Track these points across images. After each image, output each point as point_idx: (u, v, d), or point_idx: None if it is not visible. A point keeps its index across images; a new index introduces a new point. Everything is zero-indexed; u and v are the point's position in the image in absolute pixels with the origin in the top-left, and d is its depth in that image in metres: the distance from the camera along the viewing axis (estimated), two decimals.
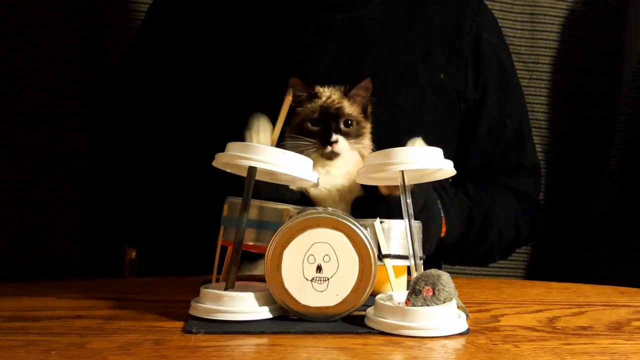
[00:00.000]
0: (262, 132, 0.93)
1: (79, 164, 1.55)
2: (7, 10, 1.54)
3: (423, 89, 1.23)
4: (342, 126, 1.00)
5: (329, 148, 0.98)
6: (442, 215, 1.09)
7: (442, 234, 1.10)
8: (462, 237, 1.19)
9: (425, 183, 0.97)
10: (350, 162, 1.00)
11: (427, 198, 1.01)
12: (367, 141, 1.03)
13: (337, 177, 0.99)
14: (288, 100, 0.91)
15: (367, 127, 1.04)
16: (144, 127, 1.26)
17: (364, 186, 0.98)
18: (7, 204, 1.55)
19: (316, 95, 1.02)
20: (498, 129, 1.30)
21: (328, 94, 1.02)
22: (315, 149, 0.97)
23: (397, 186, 0.86)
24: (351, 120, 1.01)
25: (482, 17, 1.32)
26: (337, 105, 1.01)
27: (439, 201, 1.09)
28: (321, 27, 1.23)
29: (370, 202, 0.96)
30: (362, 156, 0.98)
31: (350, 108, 1.02)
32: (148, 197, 1.23)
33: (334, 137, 0.98)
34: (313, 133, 0.99)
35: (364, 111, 1.04)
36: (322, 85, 1.03)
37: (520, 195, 1.31)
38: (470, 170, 1.29)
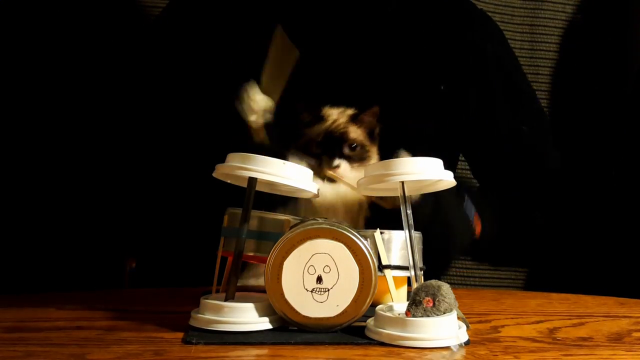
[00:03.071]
0: (252, 92, 0.94)
1: (80, 171, 1.55)
2: None
3: (426, 99, 1.24)
4: (346, 150, 1.01)
5: (330, 172, 0.99)
6: (471, 216, 1.09)
7: (477, 233, 1.09)
8: (501, 234, 1.18)
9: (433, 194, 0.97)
10: (353, 182, 1.01)
11: (435, 206, 1.01)
12: (374, 161, 1.04)
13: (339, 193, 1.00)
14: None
15: (373, 149, 1.05)
16: (155, 131, 1.27)
17: (370, 206, 0.98)
18: (6, 214, 1.55)
19: (322, 117, 1.03)
20: (514, 138, 1.30)
21: (335, 116, 1.03)
22: (318, 171, 0.98)
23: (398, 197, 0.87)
24: (356, 145, 1.02)
25: (485, 28, 1.33)
26: (342, 130, 1.02)
27: (466, 202, 1.08)
28: (323, 42, 1.24)
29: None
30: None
31: (355, 132, 1.03)
32: (150, 207, 1.24)
33: (336, 162, 1.00)
34: (317, 155, 1.00)
35: (370, 134, 1.05)
36: (332, 104, 1.05)
37: (539, 202, 1.32)
38: (489, 180, 1.29)
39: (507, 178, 1.31)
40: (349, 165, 1.01)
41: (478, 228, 1.09)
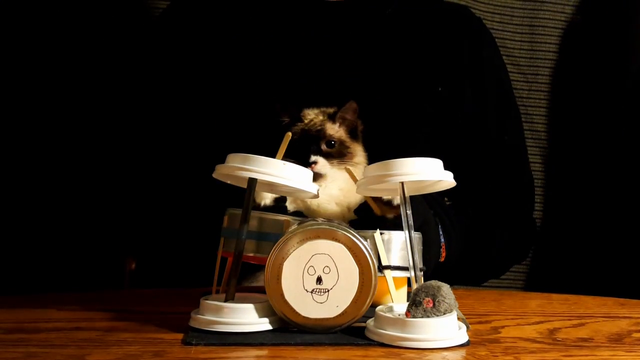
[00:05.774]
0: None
1: (80, 171, 1.55)
2: None
3: (421, 101, 1.24)
4: (323, 147, 1.01)
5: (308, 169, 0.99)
6: (443, 240, 1.10)
7: (442, 259, 1.10)
8: (461, 260, 1.19)
9: (422, 206, 0.97)
10: (339, 180, 1.01)
11: (424, 220, 1.01)
12: (359, 158, 1.04)
13: (326, 198, 1.00)
14: (287, 137, 0.91)
15: (355, 147, 1.05)
16: (153, 132, 1.27)
17: (357, 211, 0.98)
18: (6, 214, 1.55)
19: (300, 119, 1.03)
20: (496, 146, 1.30)
21: (312, 116, 1.03)
22: None
23: (389, 208, 0.87)
24: (334, 141, 1.02)
25: (482, 35, 1.33)
26: (319, 127, 1.02)
27: (439, 226, 1.09)
28: (321, 45, 1.24)
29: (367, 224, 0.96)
30: (353, 176, 0.96)
31: (333, 129, 1.03)
32: (150, 207, 1.24)
33: (313, 158, 1.00)
34: (295, 155, 1.00)
35: (352, 132, 1.05)
36: (314, 106, 1.05)
37: (516, 216, 1.32)
38: (467, 188, 1.29)
39: (484, 185, 1.30)
40: (327, 162, 1.01)
41: (443, 255, 1.10)
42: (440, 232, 1.10)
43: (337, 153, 1.02)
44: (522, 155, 1.36)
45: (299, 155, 1.00)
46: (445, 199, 1.27)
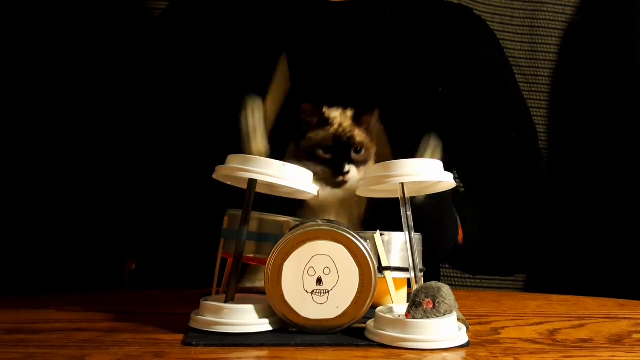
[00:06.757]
0: (257, 111, 0.94)
1: (80, 171, 1.55)
2: None
3: (423, 102, 1.24)
4: (353, 154, 1.01)
5: (340, 178, 0.99)
6: (458, 221, 1.09)
7: (460, 239, 1.09)
8: (479, 242, 1.17)
9: (440, 195, 0.96)
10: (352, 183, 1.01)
11: (442, 209, 1.00)
12: (372, 163, 1.04)
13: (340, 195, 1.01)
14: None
15: (373, 150, 1.05)
16: (154, 133, 1.27)
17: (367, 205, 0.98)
18: (6, 215, 1.55)
19: (327, 122, 1.02)
20: (503, 144, 1.30)
21: (339, 120, 1.03)
22: (326, 177, 0.98)
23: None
24: (361, 147, 1.02)
25: (483, 33, 1.33)
26: (349, 134, 1.02)
27: (454, 208, 1.08)
28: (324, 45, 1.24)
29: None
30: None
31: (360, 135, 1.03)
32: (150, 208, 1.24)
33: (347, 167, 1.00)
34: (325, 161, 1.00)
35: (369, 135, 1.06)
36: (330, 105, 1.04)
37: (527, 210, 1.31)
38: (478, 186, 1.28)
39: (494, 183, 1.30)
40: (356, 169, 1.02)
41: (460, 236, 1.09)
42: (456, 214, 1.09)
43: (363, 160, 1.03)
44: (533, 150, 1.35)
45: (332, 163, 1.00)
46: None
